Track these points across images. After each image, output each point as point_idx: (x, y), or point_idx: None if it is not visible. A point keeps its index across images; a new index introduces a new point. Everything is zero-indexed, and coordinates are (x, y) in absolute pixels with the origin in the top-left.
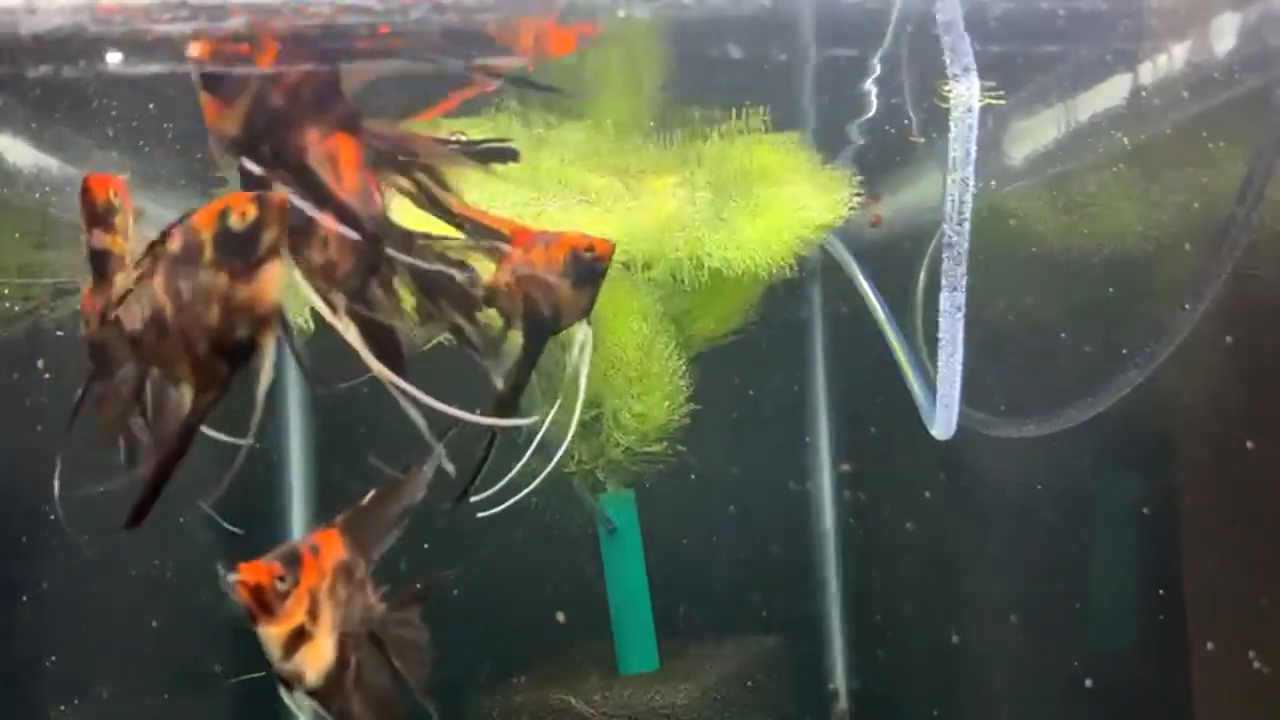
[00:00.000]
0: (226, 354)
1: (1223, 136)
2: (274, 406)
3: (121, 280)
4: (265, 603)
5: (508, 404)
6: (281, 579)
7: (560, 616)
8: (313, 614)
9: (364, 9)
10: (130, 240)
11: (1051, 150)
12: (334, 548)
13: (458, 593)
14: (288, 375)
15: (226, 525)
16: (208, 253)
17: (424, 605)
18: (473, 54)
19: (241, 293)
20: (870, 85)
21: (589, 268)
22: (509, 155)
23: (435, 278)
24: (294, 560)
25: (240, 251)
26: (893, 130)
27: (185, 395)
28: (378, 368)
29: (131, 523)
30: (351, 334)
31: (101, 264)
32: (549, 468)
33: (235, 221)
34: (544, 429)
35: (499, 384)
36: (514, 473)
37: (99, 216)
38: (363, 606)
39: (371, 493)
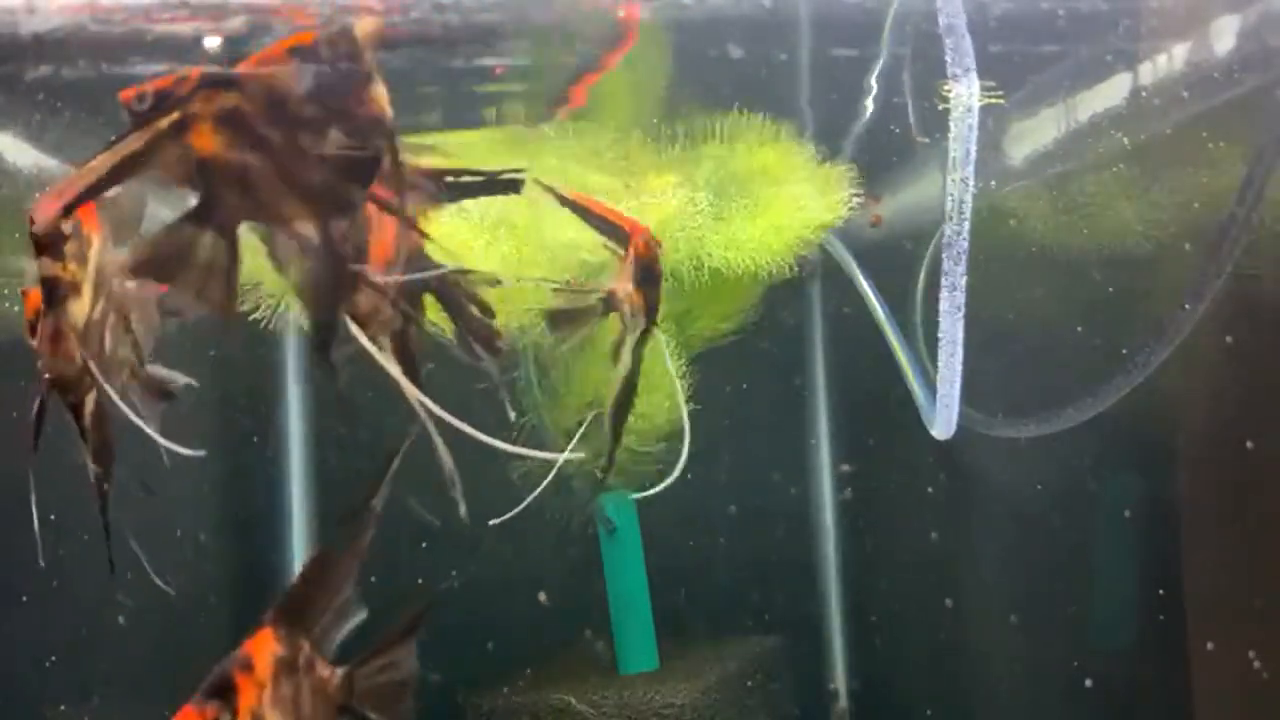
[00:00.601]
0: (353, 172)
1: (1223, 136)
2: (272, 407)
3: (76, 306)
4: None
5: (624, 411)
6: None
7: (542, 597)
8: None
9: (364, 9)
10: (92, 265)
11: (1052, 150)
12: (267, 648)
13: (457, 588)
14: (287, 375)
15: (153, 572)
16: (297, 90)
17: (412, 637)
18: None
19: (362, 111)
20: (872, 83)
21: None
22: (516, 187)
23: (463, 309)
24: (225, 689)
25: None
26: (896, 129)
27: (308, 230)
28: (427, 403)
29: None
30: (397, 372)
31: (50, 291)
32: (671, 480)
33: (328, 53)
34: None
35: (512, 414)
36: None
37: (44, 244)
38: (315, 688)
39: (299, 573)
